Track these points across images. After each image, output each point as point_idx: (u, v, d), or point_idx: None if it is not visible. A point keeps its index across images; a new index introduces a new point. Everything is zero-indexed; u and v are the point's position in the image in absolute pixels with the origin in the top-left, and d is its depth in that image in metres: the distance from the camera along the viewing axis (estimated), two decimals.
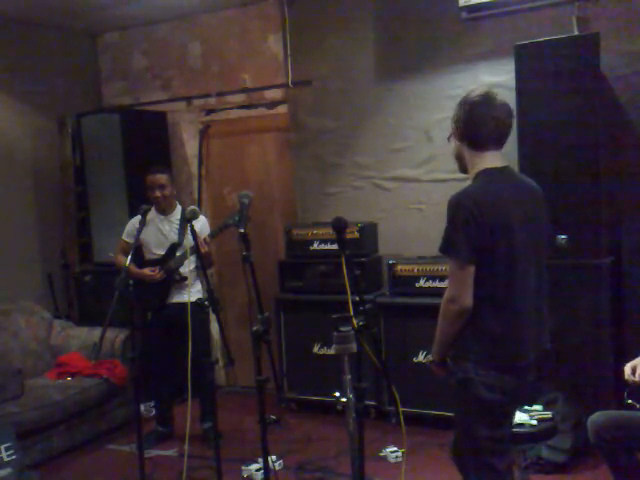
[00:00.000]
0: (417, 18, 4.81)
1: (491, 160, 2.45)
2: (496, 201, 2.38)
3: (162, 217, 4.54)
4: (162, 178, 4.48)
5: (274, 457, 3.89)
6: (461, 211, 2.34)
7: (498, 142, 2.46)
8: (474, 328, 2.40)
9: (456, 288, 2.38)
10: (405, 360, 4.52)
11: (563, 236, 3.96)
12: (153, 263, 4.51)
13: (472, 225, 2.32)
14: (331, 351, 4.60)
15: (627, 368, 2.85)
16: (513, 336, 2.41)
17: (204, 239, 4.13)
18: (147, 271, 4.45)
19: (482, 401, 2.39)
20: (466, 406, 2.45)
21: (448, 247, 2.39)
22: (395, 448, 4.14)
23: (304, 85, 5.30)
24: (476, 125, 2.43)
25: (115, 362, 4.85)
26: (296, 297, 5.00)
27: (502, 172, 2.47)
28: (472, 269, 2.34)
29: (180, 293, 4.45)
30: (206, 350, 4.63)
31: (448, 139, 2.58)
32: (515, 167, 4.18)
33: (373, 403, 4.62)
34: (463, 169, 2.56)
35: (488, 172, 2.44)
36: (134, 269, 4.33)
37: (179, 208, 4.60)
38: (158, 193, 4.46)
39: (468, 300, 2.35)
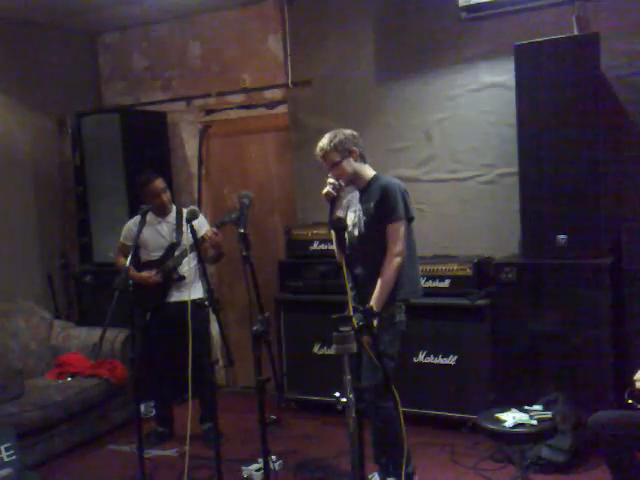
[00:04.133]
0: (417, 18, 4.81)
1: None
2: None
3: (160, 219, 4.54)
4: (162, 182, 4.50)
5: (274, 457, 3.89)
6: (400, 188, 3.39)
7: None
8: (400, 276, 3.34)
9: (401, 245, 3.34)
10: (404, 359, 4.51)
11: (563, 236, 3.96)
12: (151, 264, 4.51)
13: (408, 198, 3.41)
14: (331, 351, 4.60)
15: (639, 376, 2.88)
16: (417, 278, 3.55)
17: (212, 230, 4.11)
18: (145, 274, 4.45)
19: (402, 331, 3.43)
20: (392, 337, 3.37)
21: (406, 213, 3.36)
22: None
23: (304, 85, 5.30)
24: (364, 149, 3.51)
25: (115, 362, 4.85)
26: (296, 297, 5.00)
27: None
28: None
29: (180, 291, 4.45)
30: (206, 350, 4.63)
31: (336, 164, 3.41)
32: (515, 167, 4.21)
33: None
34: (353, 182, 3.49)
35: (379, 174, 3.51)
36: (133, 272, 4.33)
37: (174, 208, 4.61)
38: (165, 197, 4.48)
39: (409, 253, 3.40)
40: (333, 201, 3.24)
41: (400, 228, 3.34)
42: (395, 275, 3.32)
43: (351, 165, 3.45)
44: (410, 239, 3.46)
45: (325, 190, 3.27)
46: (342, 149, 3.43)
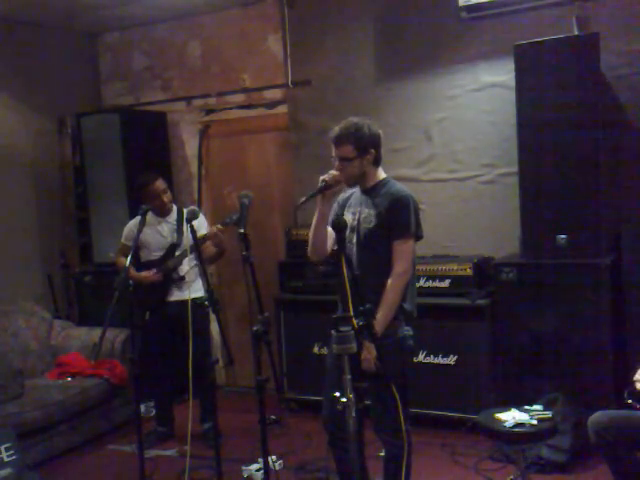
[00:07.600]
0: (417, 18, 4.81)
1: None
2: None
3: (160, 219, 4.54)
4: (163, 183, 4.50)
5: (274, 457, 3.89)
6: (414, 202, 3.06)
7: None
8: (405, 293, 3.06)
9: (408, 263, 3.03)
10: None
11: (563, 236, 3.96)
12: (151, 264, 4.51)
13: (419, 214, 3.10)
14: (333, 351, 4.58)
15: (639, 376, 2.88)
16: (415, 300, 3.15)
17: (217, 228, 4.16)
18: (144, 274, 4.46)
19: (410, 349, 3.12)
20: (401, 356, 3.05)
21: (416, 230, 3.05)
22: None
23: (304, 85, 5.30)
24: (379, 150, 3.10)
25: (115, 362, 4.85)
26: (296, 297, 5.00)
27: None
28: None
29: (180, 290, 4.46)
30: (206, 350, 4.62)
31: (347, 160, 3.00)
32: (515, 167, 4.21)
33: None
34: (357, 183, 3.12)
35: (389, 178, 3.15)
36: (133, 273, 4.33)
37: (175, 208, 4.61)
38: (165, 199, 4.48)
39: (412, 271, 3.08)
40: (324, 190, 2.91)
41: (409, 246, 3.03)
42: (400, 297, 3.02)
43: (361, 167, 3.05)
44: (414, 258, 3.12)
45: (325, 177, 2.92)
46: (361, 147, 3.01)
